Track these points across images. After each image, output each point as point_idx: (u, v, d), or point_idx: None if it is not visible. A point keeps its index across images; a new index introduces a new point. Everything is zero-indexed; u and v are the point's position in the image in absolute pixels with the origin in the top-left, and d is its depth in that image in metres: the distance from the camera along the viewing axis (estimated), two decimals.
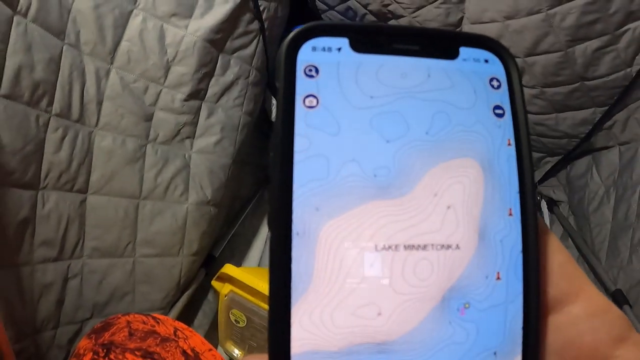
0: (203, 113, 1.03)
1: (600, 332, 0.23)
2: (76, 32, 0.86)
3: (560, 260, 0.24)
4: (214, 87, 1.03)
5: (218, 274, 1.01)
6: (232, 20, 1.01)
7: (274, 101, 1.24)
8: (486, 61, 0.25)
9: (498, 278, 0.23)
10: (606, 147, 1.21)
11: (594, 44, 1.01)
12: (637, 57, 1.01)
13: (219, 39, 1.00)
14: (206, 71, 1.00)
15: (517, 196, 0.24)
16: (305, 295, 0.21)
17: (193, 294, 1.11)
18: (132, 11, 0.91)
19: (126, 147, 0.93)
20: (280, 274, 0.21)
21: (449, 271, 0.22)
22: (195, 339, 0.74)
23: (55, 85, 0.82)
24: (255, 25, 1.07)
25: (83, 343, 0.71)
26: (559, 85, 1.12)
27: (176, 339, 0.72)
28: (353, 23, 0.24)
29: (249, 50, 1.08)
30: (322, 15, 1.39)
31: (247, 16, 1.04)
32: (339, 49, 0.23)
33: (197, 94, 1.00)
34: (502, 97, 0.24)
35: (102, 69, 0.90)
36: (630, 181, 1.11)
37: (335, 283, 0.21)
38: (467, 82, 0.24)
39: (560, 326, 0.23)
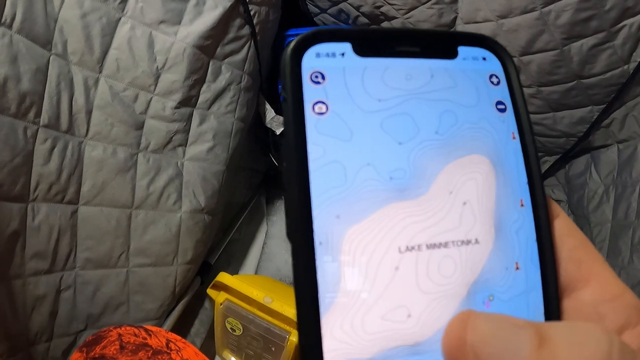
0: (195, 120, 1.02)
1: (606, 319, 0.22)
2: (63, 42, 0.85)
3: (570, 244, 0.24)
4: (205, 94, 1.02)
5: (213, 282, 1.00)
6: (222, 26, 1.00)
7: (267, 106, 1.23)
8: (484, 59, 0.26)
9: (517, 268, 0.24)
10: (605, 146, 1.20)
11: (589, 41, 1.00)
12: (634, 54, 1.00)
13: (209, 45, 0.99)
14: (197, 78, 0.99)
15: (527, 187, 0.25)
16: (334, 305, 0.21)
17: (189, 303, 1.10)
18: (119, 19, 0.90)
19: (117, 156, 0.92)
20: (307, 286, 0.21)
21: (471, 266, 0.23)
22: (188, 350, 0.73)
23: (43, 96, 0.82)
24: (246, 30, 1.06)
25: (75, 357, 0.70)
26: (556, 84, 1.11)
27: (168, 351, 0.71)
28: (354, 28, 0.26)
29: (241, 55, 1.07)
30: (315, 19, 1.38)
31: (238, 21, 1.03)
32: (343, 54, 0.23)
33: (188, 101, 0.99)
34: (502, 92, 0.26)
35: (90, 78, 0.89)
36: (630, 179, 1.10)
37: (363, 289, 0.21)
38: (469, 81, 0.25)
39: (568, 312, 0.23)
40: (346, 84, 0.23)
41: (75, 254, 0.90)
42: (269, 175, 1.57)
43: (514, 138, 0.25)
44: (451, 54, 0.25)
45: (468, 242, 0.23)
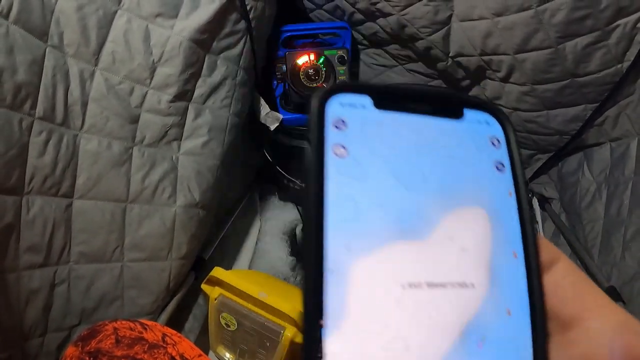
0: (190, 114, 1.01)
1: (615, 345, 0.24)
2: (59, 34, 0.84)
3: (572, 280, 0.26)
4: (200, 88, 1.02)
5: (207, 277, 1.00)
6: (219, 20, 1.00)
7: (262, 102, 1.23)
8: (487, 123, 0.28)
9: (509, 314, 0.25)
10: (597, 144, 1.21)
11: (584, 40, 1.01)
12: (627, 53, 1.01)
13: (205, 39, 0.99)
14: (193, 72, 0.99)
15: (520, 240, 0.27)
16: (339, 328, 0.22)
17: (183, 298, 1.09)
18: (116, 12, 0.90)
19: (112, 150, 0.92)
20: (314, 309, 0.22)
21: (467, 307, 0.25)
22: (184, 344, 0.73)
23: (39, 88, 0.81)
24: (242, 25, 1.06)
25: (70, 351, 0.70)
26: (550, 82, 1.11)
27: (164, 345, 0.70)
28: (375, 84, 0.30)
29: (236, 50, 1.07)
30: (310, 15, 1.38)
31: (234, 16, 1.03)
32: (363, 106, 0.25)
33: (183, 95, 0.99)
34: (502, 154, 0.28)
35: (86, 70, 0.88)
36: (622, 177, 1.11)
37: (367, 317, 0.23)
38: (472, 141, 0.27)
39: (578, 341, 0.25)
40: (364, 133, 0.25)
41: (69, 248, 0.89)
42: (262, 171, 1.56)
43: (510, 195, 0.27)
44: (458, 115, 0.28)
45: (465, 285, 0.25)
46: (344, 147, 0.24)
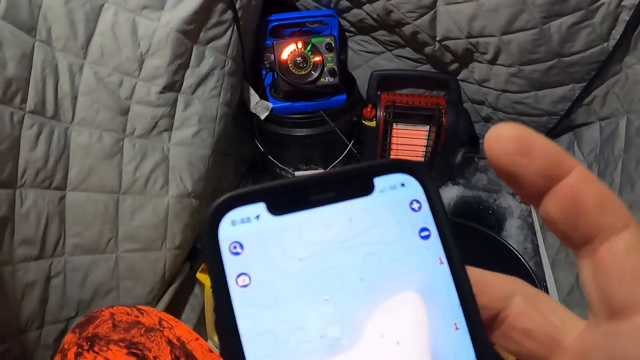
0: (180, 105, 1.02)
1: None
2: (47, 28, 0.85)
3: (635, 262, 0.21)
4: (189, 79, 1.02)
5: (203, 265, 1.00)
6: (205, 11, 1.00)
7: (251, 91, 1.24)
8: (402, 185, 0.25)
9: None
10: (586, 124, 1.22)
11: (568, 19, 1.01)
12: (613, 32, 1.02)
13: (192, 30, 0.99)
14: (181, 63, 0.99)
15: (459, 309, 0.24)
16: None
17: (179, 288, 1.10)
18: (103, 5, 0.90)
19: (103, 142, 0.92)
20: None
21: None
22: (181, 328, 0.73)
23: (29, 82, 0.82)
24: (228, 15, 1.06)
25: (68, 338, 0.70)
26: (536, 62, 1.12)
27: (161, 328, 0.71)
28: (264, 185, 0.23)
29: (224, 40, 1.07)
30: (297, 4, 1.38)
31: (220, 6, 1.03)
32: (257, 217, 0.22)
33: (172, 86, 1.00)
34: (425, 217, 0.24)
35: (75, 64, 0.89)
36: (612, 155, 1.12)
37: None
38: (389, 214, 0.24)
39: (627, 336, 0.21)
40: (265, 250, 0.22)
41: (64, 240, 0.90)
42: (254, 161, 1.57)
43: (441, 263, 0.24)
44: (367, 190, 0.24)
45: None
46: (246, 275, 0.22)
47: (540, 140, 0.21)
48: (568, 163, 0.21)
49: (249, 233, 0.22)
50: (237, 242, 0.22)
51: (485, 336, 0.24)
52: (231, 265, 0.22)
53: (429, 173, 0.25)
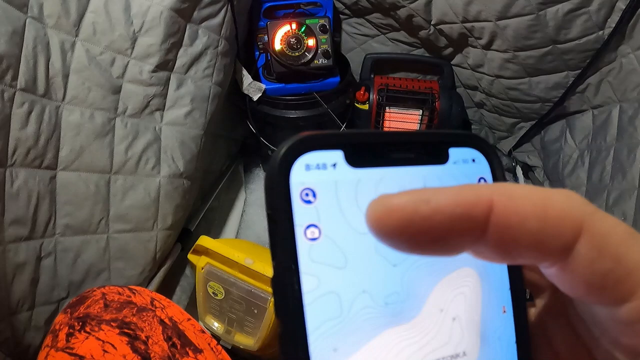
0: (172, 84, 1.01)
1: None
2: (39, 5, 0.83)
3: None
4: (182, 58, 1.01)
5: (194, 246, 1.00)
6: None
7: (244, 72, 1.23)
8: (473, 160, 0.24)
9: None
10: (580, 111, 1.22)
11: (565, 6, 1.01)
12: (609, 20, 1.01)
13: (185, 9, 0.98)
14: (174, 41, 0.98)
15: (509, 293, 0.24)
16: None
17: (170, 270, 1.10)
18: None
19: (94, 121, 0.91)
20: None
21: None
22: (173, 308, 0.73)
23: (20, 59, 0.80)
24: None
25: (59, 318, 0.70)
26: (531, 48, 1.12)
27: (153, 308, 0.71)
28: (346, 133, 0.22)
29: (217, 19, 1.06)
30: None
31: None
32: (334, 165, 0.21)
33: (165, 65, 0.98)
34: None
35: (67, 41, 0.87)
36: (604, 144, 1.12)
37: None
38: None
39: (633, 322, 0.19)
40: (339, 202, 0.21)
41: (54, 220, 0.89)
42: (246, 143, 1.56)
43: None
44: (443, 158, 0.24)
45: (457, 355, 0.23)
46: (316, 227, 0.20)
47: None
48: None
49: (324, 181, 0.21)
50: (309, 189, 0.20)
51: (527, 324, 0.25)
52: (301, 214, 0.20)
53: (498, 155, 0.25)
